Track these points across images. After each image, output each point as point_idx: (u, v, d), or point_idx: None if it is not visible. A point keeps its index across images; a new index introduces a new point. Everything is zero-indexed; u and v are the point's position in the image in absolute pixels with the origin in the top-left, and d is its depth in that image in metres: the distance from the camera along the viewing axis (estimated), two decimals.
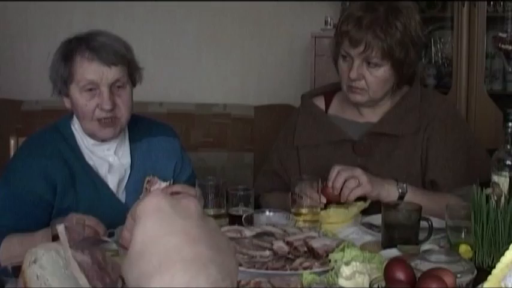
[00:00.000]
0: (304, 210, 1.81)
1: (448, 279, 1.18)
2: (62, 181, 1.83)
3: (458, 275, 1.27)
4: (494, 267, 1.13)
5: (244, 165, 3.53)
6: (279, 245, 1.58)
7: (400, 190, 1.86)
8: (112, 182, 1.91)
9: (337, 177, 1.84)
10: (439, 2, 3.72)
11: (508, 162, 1.52)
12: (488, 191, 1.50)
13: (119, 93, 1.85)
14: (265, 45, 3.91)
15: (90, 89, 1.82)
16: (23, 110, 3.49)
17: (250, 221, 1.78)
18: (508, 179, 1.51)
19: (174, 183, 1.91)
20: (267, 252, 1.55)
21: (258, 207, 2.05)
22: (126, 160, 1.94)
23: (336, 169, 1.85)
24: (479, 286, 1.28)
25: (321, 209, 1.84)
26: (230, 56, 3.91)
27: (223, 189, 1.86)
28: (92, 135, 1.88)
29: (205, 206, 1.83)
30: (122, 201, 1.91)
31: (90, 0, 3.72)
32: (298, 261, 1.51)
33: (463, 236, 1.57)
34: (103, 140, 1.89)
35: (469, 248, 1.52)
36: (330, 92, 2.16)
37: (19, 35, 3.75)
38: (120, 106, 1.85)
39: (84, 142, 1.90)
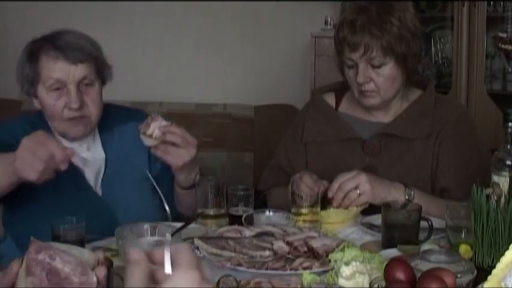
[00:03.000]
0: (304, 210, 1.81)
1: (448, 279, 1.18)
2: None
3: (458, 275, 1.27)
4: (494, 267, 1.14)
5: (244, 165, 3.53)
6: (279, 245, 1.58)
7: (407, 197, 1.85)
8: (89, 175, 1.89)
9: (338, 192, 1.83)
10: (439, 2, 3.72)
11: (508, 162, 1.52)
12: (488, 191, 1.50)
13: (87, 91, 1.83)
14: (265, 45, 3.91)
15: (57, 88, 1.80)
16: (23, 110, 3.48)
17: (250, 221, 1.78)
18: (508, 179, 1.51)
19: (150, 171, 1.93)
20: (267, 252, 1.55)
21: (263, 201, 2.05)
22: (100, 155, 1.92)
23: (338, 181, 1.84)
24: (479, 286, 1.28)
25: (321, 209, 1.84)
26: (230, 56, 3.91)
27: (223, 189, 1.86)
28: (63, 135, 1.86)
29: (205, 206, 1.83)
30: (99, 195, 1.90)
31: (90, 0, 3.72)
32: (298, 261, 1.50)
33: (463, 236, 1.57)
34: (76, 140, 1.87)
35: (469, 248, 1.52)
36: (341, 89, 2.15)
37: (19, 35, 3.74)
38: (88, 104, 1.83)
39: (59, 139, 1.84)
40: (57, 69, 1.79)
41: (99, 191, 1.91)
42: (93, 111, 1.84)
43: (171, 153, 1.79)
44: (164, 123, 1.79)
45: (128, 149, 1.95)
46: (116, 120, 1.97)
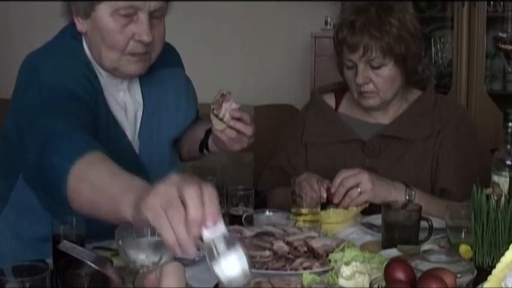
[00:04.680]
0: (304, 210, 1.81)
1: (448, 279, 1.18)
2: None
3: (458, 275, 1.27)
4: (494, 267, 1.14)
5: (244, 165, 3.53)
6: (279, 245, 1.57)
7: (407, 197, 1.85)
8: (129, 129, 1.66)
9: (339, 188, 1.82)
10: (439, 2, 3.72)
11: (508, 162, 1.52)
12: (488, 191, 1.50)
13: (156, 24, 1.56)
14: (265, 45, 3.91)
15: (126, 15, 1.51)
16: None
17: (250, 221, 1.78)
18: (508, 179, 1.51)
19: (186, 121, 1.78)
20: (267, 252, 1.55)
21: (264, 202, 2.05)
22: (139, 100, 1.68)
23: (340, 176, 1.84)
24: (479, 286, 1.28)
25: (321, 209, 1.84)
26: (230, 56, 3.91)
27: (223, 189, 1.86)
28: (112, 70, 1.58)
29: None
30: (136, 153, 1.68)
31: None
32: (298, 261, 1.51)
33: (463, 236, 1.57)
34: (123, 77, 1.61)
35: (469, 248, 1.52)
36: (340, 89, 2.15)
37: (19, 35, 3.75)
38: (156, 40, 1.56)
39: (100, 73, 1.60)
40: None
41: (136, 147, 1.68)
42: (156, 47, 1.58)
43: (234, 139, 1.66)
44: (234, 105, 1.64)
45: (166, 99, 1.73)
46: (156, 61, 1.67)
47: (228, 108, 1.64)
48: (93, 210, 1.18)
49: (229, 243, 1.03)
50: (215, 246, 1.01)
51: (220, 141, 1.68)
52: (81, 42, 1.61)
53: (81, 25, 1.57)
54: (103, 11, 1.51)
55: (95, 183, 1.17)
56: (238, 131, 1.64)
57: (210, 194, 1.01)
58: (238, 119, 1.63)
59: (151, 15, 1.54)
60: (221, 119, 1.64)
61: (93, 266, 1.19)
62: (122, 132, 1.63)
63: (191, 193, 0.99)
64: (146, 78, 1.67)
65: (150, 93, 1.70)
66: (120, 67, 1.56)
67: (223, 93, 1.65)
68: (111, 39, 1.52)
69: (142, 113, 1.68)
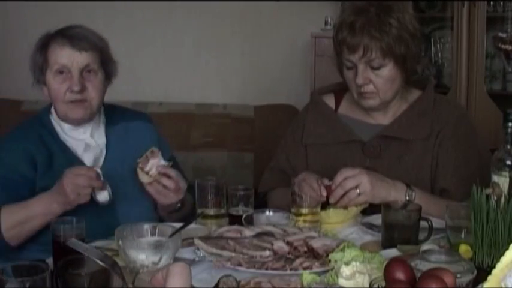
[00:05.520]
0: (304, 210, 1.81)
1: (448, 279, 1.18)
2: (41, 161, 1.93)
3: (458, 275, 1.27)
4: (494, 267, 1.14)
5: (244, 165, 3.53)
6: (279, 245, 1.58)
7: (407, 198, 1.84)
8: (88, 160, 1.98)
9: (338, 189, 1.82)
10: (439, 2, 3.72)
11: (508, 162, 1.52)
12: (488, 191, 1.50)
13: (90, 78, 1.95)
14: (265, 45, 3.91)
15: (62, 72, 1.93)
16: (23, 110, 3.49)
17: (250, 221, 1.78)
18: (508, 179, 1.51)
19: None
20: (267, 252, 1.55)
21: (264, 203, 2.05)
22: (102, 140, 2.02)
23: (342, 175, 1.84)
24: (479, 286, 1.28)
25: (321, 209, 1.84)
26: (230, 56, 3.91)
27: (223, 189, 1.86)
28: (65, 118, 1.98)
29: (205, 206, 1.83)
30: None
31: (90, 0, 3.73)
32: (298, 261, 1.51)
33: (463, 236, 1.57)
34: (77, 123, 1.98)
35: (469, 248, 1.52)
36: (340, 90, 2.15)
37: (19, 35, 3.75)
38: (89, 89, 1.95)
39: (62, 127, 2.00)
40: (63, 55, 1.93)
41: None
42: (93, 96, 1.96)
43: (161, 193, 1.87)
44: (163, 162, 1.86)
45: (131, 142, 2.03)
46: (122, 117, 2.10)
47: (155, 164, 1.85)
48: (26, 232, 1.83)
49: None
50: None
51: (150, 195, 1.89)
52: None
53: (45, 92, 1.99)
54: (49, 76, 1.95)
55: (16, 219, 1.82)
56: (164, 186, 1.86)
57: (83, 171, 1.80)
58: (164, 175, 1.85)
59: (84, 70, 1.94)
60: (147, 173, 1.85)
61: (101, 263, 1.21)
62: (80, 162, 1.96)
63: (79, 177, 1.76)
64: (113, 128, 2.05)
65: (114, 137, 2.03)
66: (68, 114, 1.96)
67: (153, 150, 1.87)
68: (55, 94, 1.96)
69: (106, 150, 2.01)
